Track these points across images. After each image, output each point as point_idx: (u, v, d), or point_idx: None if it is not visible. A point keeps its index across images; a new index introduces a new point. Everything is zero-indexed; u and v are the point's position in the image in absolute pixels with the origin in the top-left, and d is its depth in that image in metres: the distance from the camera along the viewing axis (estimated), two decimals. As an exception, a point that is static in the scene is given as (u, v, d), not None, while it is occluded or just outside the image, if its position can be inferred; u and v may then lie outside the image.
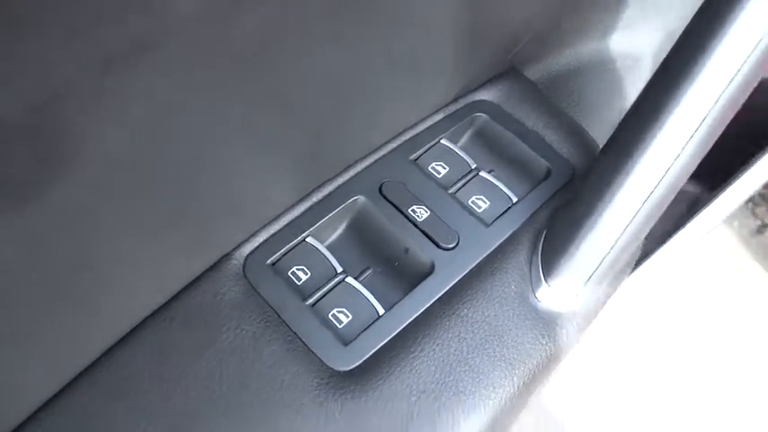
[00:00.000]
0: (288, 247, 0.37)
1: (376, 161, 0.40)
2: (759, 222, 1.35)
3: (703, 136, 0.32)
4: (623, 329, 1.18)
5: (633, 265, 0.40)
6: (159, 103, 0.24)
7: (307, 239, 0.37)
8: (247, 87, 0.26)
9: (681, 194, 0.69)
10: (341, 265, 0.37)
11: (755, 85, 0.33)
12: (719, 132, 0.33)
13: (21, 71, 0.19)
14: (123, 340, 0.34)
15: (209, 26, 0.22)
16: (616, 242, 0.34)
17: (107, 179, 0.25)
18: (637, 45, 0.48)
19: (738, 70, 0.30)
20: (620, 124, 0.34)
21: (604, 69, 0.49)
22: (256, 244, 0.37)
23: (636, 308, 1.20)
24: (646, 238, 0.48)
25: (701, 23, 0.30)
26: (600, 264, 0.35)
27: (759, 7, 0.29)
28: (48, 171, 0.22)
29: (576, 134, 0.42)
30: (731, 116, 0.33)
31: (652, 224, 0.36)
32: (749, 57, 0.30)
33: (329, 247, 0.38)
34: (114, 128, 0.23)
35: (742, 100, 0.33)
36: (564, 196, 0.39)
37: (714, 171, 0.60)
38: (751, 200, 1.37)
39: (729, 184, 0.57)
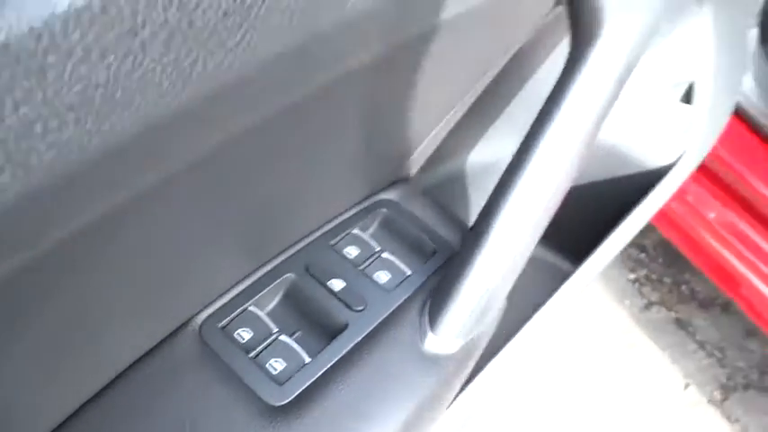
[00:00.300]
0: (235, 314, 0.48)
1: (304, 246, 0.52)
2: (646, 300, 1.54)
3: (532, 226, 0.46)
4: (522, 404, 1.30)
5: (497, 321, 0.53)
6: (157, 222, 0.35)
7: (249, 308, 0.49)
8: (218, 209, 0.39)
9: (549, 267, 0.84)
10: (277, 326, 0.48)
11: (566, 190, 0.47)
12: (545, 223, 0.47)
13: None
14: (101, 391, 0.43)
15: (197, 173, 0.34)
16: (478, 303, 0.47)
17: (108, 272, 0.35)
18: (499, 154, 0.64)
19: (551, 183, 0.45)
20: (478, 216, 0.48)
21: (477, 174, 0.64)
22: (210, 312, 0.47)
23: (534, 384, 1.33)
24: (519, 306, 0.62)
25: (526, 143, 0.45)
26: (468, 319, 0.48)
27: (561, 135, 0.44)
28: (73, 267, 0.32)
29: (455, 223, 0.56)
30: (553, 210, 0.48)
31: (507, 289, 0.49)
32: (559, 172, 0.45)
33: (269, 313, 0.49)
34: (125, 239, 0.34)
35: (558, 199, 0.47)
36: (445, 269, 0.53)
37: (576, 246, 0.75)
38: (637, 280, 1.57)
39: (590, 256, 0.72)
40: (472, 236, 0.47)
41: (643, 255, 1.60)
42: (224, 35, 0.23)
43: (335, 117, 0.42)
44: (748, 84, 1.05)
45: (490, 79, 0.57)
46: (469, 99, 0.57)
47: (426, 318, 0.49)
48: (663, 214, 1.33)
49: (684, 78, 0.71)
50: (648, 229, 1.37)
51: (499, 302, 0.50)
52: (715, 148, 1.19)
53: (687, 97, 0.71)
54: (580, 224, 0.74)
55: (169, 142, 0.28)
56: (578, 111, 0.43)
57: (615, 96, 0.46)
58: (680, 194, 1.31)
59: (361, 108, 0.45)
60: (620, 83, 0.45)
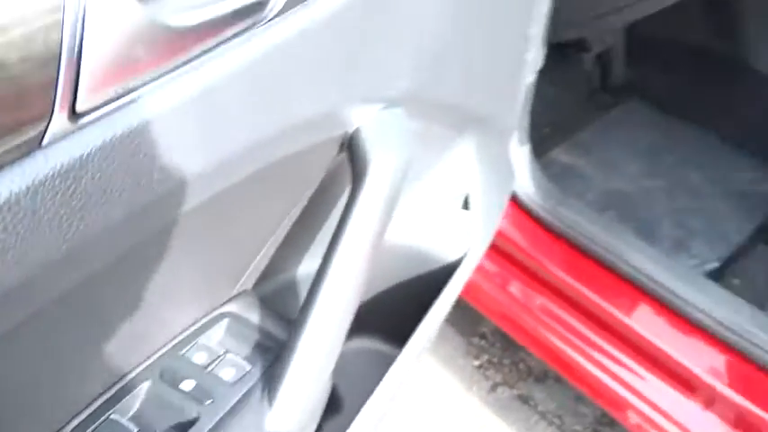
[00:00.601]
0: (98, 422, 0.58)
1: (160, 356, 0.64)
2: (491, 383, 1.73)
3: (336, 317, 0.62)
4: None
5: (326, 400, 0.67)
6: (27, 344, 0.46)
7: (112, 416, 0.59)
8: (83, 333, 0.50)
9: (377, 354, 1.00)
10: (138, 427, 0.58)
11: (362, 287, 0.64)
12: (349, 313, 0.63)
13: None
14: None
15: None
16: (304, 383, 0.61)
17: None
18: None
19: (345, 284, 0.61)
20: (298, 314, 0.63)
21: (303, 283, 0.80)
22: (76, 423, 0.57)
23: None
24: (357, 390, 0.76)
25: (326, 256, 0.62)
26: (298, 398, 0.61)
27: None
28: None
29: (286, 324, 0.71)
30: (354, 303, 0.64)
31: (328, 369, 0.64)
32: (351, 275, 0.61)
33: (130, 418, 0.59)
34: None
35: (356, 296, 0.64)
36: (278, 361, 0.66)
37: (402, 335, 0.91)
38: (482, 366, 1.77)
39: (408, 342, 0.88)
40: (292, 330, 0.62)
41: (483, 342, 1.82)
42: (90, 209, 0.37)
43: (178, 252, 0.57)
44: (530, 186, 1.32)
45: (305, 204, 0.74)
46: (289, 223, 0.74)
47: (266, 402, 0.62)
48: (492, 307, 1.54)
49: (461, 191, 0.93)
50: (486, 319, 1.58)
51: (323, 381, 0.65)
52: (521, 243, 1.43)
53: (466, 205, 0.94)
54: (403, 315, 0.92)
55: (47, 281, 0.40)
56: (359, 228, 0.61)
57: (389, 214, 0.65)
58: (503, 288, 1.52)
59: (199, 241, 0.59)
60: (391, 204, 0.64)
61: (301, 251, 0.79)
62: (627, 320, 1.34)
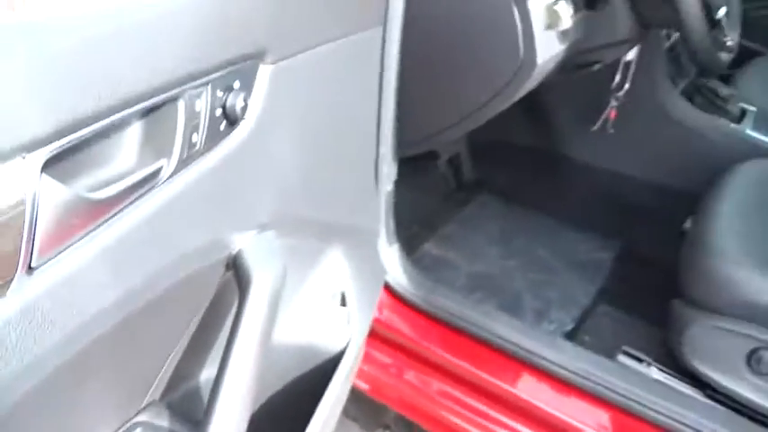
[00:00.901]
0: None
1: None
2: (399, 468, 1.85)
3: (235, 414, 0.76)
4: None
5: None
6: None
7: None
8: None
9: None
10: None
11: (256, 385, 0.79)
12: (246, 410, 0.78)
13: None
14: None
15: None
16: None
17: None
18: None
19: (241, 382, 0.76)
20: (200, 421, 0.77)
21: (207, 387, 0.94)
22: None
23: None
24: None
25: (222, 360, 0.77)
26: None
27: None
28: None
29: (194, 427, 0.84)
30: (251, 400, 0.79)
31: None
32: (245, 374, 0.77)
33: None
34: None
35: (252, 394, 0.79)
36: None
37: (298, 428, 1.05)
38: (389, 452, 1.89)
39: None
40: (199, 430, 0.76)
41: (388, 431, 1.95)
42: (37, 335, 0.52)
43: (94, 373, 0.70)
44: (404, 279, 1.52)
45: (201, 317, 0.90)
46: (189, 335, 0.89)
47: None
48: (391, 395, 1.68)
49: (337, 289, 1.12)
50: (388, 409, 1.72)
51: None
52: (405, 332, 1.60)
53: (343, 301, 1.12)
54: (300, 409, 1.06)
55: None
56: (247, 334, 0.78)
57: (272, 319, 0.82)
58: (399, 376, 1.67)
59: (111, 362, 0.73)
60: (272, 312, 0.81)
61: (202, 359, 0.94)
62: (507, 387, 1.52)
